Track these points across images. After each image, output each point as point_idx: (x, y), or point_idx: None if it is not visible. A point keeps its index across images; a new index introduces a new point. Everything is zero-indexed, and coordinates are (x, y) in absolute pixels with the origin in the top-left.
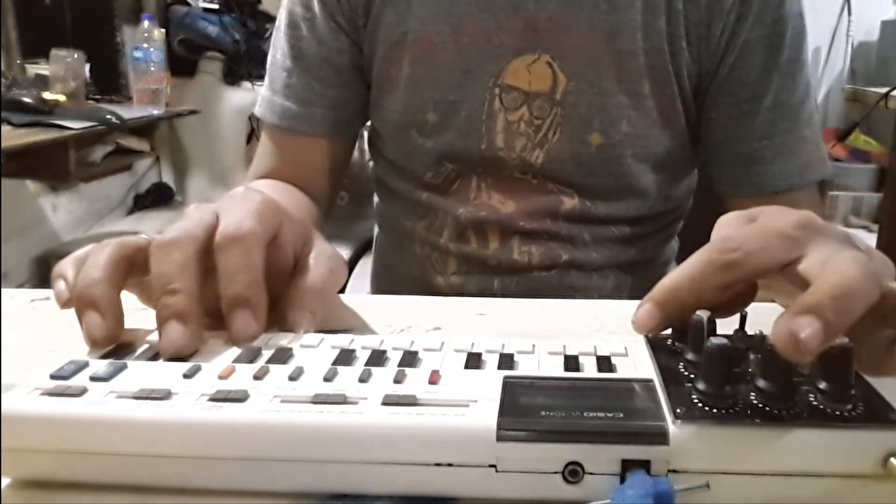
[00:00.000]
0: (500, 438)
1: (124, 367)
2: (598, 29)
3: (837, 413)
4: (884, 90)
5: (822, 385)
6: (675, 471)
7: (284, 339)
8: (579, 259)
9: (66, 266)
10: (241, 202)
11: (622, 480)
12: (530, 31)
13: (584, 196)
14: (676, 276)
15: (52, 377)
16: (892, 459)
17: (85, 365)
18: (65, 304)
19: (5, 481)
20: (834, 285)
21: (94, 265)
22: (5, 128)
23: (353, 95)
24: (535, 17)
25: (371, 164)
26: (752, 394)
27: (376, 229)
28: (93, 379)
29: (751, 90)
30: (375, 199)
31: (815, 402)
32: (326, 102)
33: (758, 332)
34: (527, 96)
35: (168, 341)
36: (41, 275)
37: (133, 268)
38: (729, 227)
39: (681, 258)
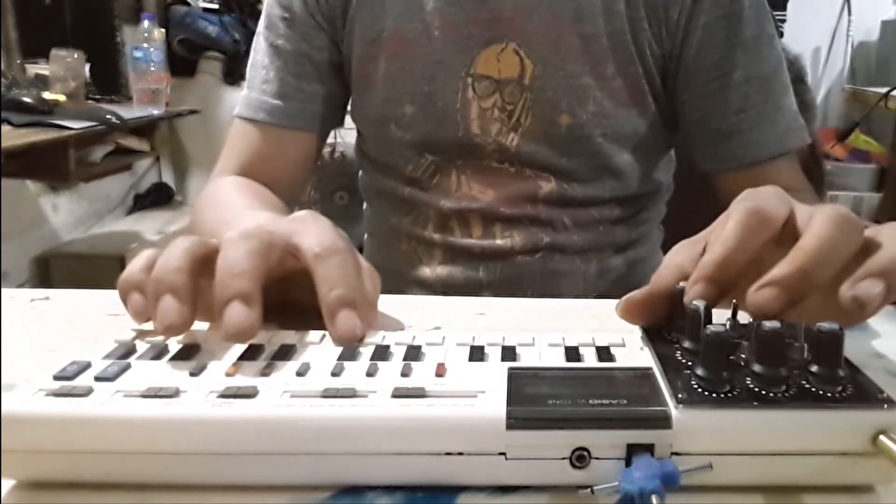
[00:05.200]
0: (509, 427)
1: (128, 366)
2: (561, 15)
3: (829, 395)
4: (884, 90)
5: (814, 368)
6: (677, 453)
7: (286, 337)
8: (561, 242)
9: (136, 276)
10: (318, 222)
11: (627, 464)
12: (496, 22)
13: (560, 179)
14: (723, 249)
15: (56, 378)
16: (881, 437)
17: (87, 365)
18: (143, 317)
19: (10, 483)
20: (807, 252)
21: (173, 255)
22: (5, 128)
23: (329, 92)
24: (501, 7)
25: (361, 172)
26: (748, 378)
27: (365, 236)
28: (97, 379)
29: (718, 68)
30: (365, 206)
31: (807, 385)
32: (302, 96)
33: (750, 321)
34: (498, 84)
35: (231, 321)
36: (41, 275)
37: (206, 267)
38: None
39: (667, 246)
